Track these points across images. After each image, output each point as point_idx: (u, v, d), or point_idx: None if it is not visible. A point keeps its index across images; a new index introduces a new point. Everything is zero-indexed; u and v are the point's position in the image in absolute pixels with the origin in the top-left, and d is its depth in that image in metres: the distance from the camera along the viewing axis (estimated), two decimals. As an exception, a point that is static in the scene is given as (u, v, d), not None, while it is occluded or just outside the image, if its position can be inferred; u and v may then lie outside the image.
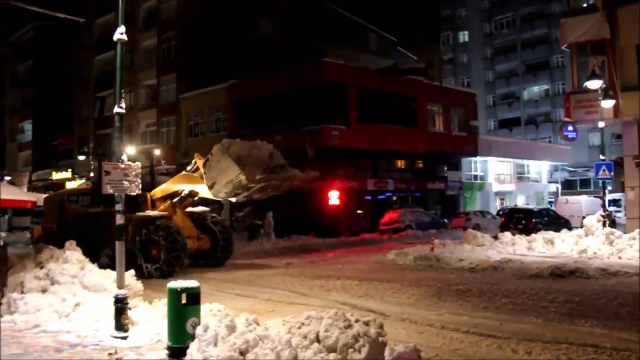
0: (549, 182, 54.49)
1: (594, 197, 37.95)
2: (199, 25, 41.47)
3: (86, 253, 11.16)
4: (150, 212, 15.89)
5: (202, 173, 15.55)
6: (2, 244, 11.08)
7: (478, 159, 44.54)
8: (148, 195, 16.31)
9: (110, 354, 7.14)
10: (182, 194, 16.14)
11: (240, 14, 41.61)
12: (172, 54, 43.72)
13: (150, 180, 17.19)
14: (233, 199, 16.02)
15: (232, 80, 37.49)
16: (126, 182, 8.33)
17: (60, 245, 12.68)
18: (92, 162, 44.48)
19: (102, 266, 10.91)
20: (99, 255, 14.01)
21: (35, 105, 60.94)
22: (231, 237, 18.06)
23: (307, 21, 40.59)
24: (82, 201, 17.35)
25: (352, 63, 34.88)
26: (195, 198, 16.50)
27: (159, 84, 44.79)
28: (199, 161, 16.12)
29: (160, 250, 15.08)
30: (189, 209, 17.32)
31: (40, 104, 60.22)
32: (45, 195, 22.47)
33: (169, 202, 16.42)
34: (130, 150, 18.39)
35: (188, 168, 16.80)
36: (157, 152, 20.11)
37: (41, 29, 59.66)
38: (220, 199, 16.36)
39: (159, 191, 16.68)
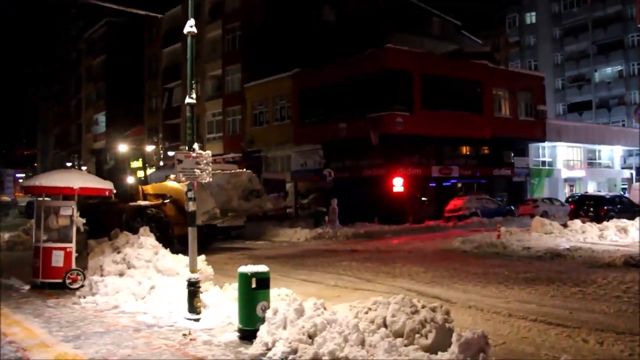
0: (623, 168, 52.12)
1: (672, 183, 36.13)
2: (262, 15, 41.98)
3: None
4: (142, 202, 17.87)
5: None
6: (82, 230, 11.71)
7: (546, 144, 43.17)
8: (140, 188, 18.44)
9: (184, 334, 7.50)
10: (169, 198, 18.10)
11: (302, 3, 41.83)
12: (237, 45, 44.44)
13: (144, 175, 19.79)
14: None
15: (296, 68, 37.78)
16: (197, 170, 8.62)
17: None
18: (161, 152, 46.02)
19: None
20: None
21: (108, 98, 63.56)
22: (214, 226, 20.05)
23: (369, 8, 40.30)
24: None
25: (416, 49, 34.41)
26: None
27: (224, 74, 45.63)
28: None
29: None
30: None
31: (112, 96, 62.74)
32: None
33: (160, 199, 18.47)
34: (122, 147, 19.84)
35: (171, 176, 17.93)
36: (148, 148, 22.19)
37: (113, 25, 62.02)
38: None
39: (150, 187, 18.91)
